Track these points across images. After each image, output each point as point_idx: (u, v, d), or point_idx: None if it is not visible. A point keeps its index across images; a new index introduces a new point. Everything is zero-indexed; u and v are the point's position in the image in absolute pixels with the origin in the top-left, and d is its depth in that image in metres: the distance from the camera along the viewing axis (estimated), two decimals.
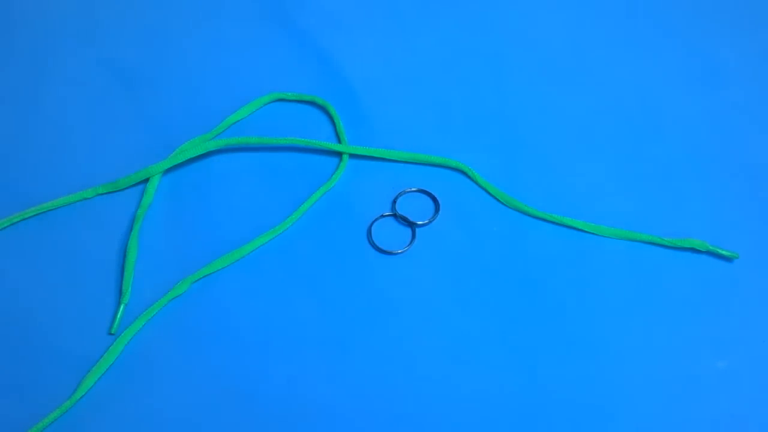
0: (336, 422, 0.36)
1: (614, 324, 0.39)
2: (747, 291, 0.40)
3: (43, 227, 0.43)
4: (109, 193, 0.45)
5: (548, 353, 0.38)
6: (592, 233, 0.42)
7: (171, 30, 0.54)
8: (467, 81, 0.50)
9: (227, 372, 0.38)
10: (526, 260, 0.41)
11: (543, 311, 0.40)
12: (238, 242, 0.42)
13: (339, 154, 0.46)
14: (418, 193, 0.45)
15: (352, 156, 0.46)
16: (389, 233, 0.43)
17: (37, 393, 0.37)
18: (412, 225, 0.43)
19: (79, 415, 0.36)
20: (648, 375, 0.37)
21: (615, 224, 0.43)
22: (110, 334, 0.39)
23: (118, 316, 0.39)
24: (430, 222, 0.43)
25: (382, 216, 0.44)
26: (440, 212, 0.44)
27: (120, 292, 0.40)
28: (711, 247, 0.41)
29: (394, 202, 0.44)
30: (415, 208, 0.44)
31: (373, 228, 0.43)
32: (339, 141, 0.47)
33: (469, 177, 0.45)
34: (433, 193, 0.44)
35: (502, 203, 0.44)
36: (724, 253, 0.41)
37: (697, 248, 0.41)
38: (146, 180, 0.45)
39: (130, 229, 0.43)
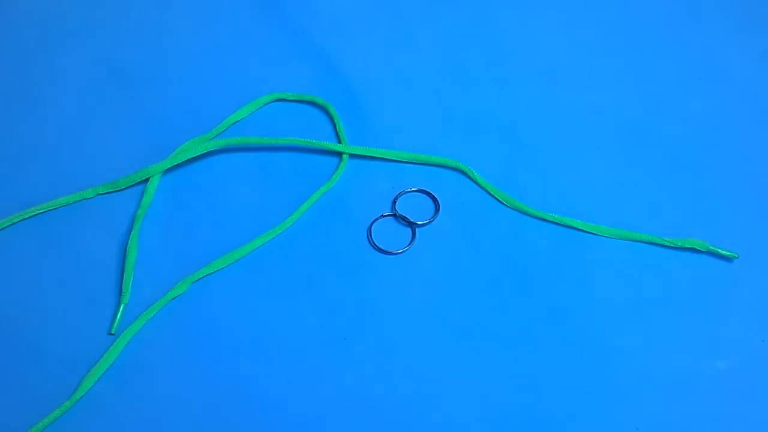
0: (336, 422, 0.36)
1: (614, 324, 0.39)
2: (747, 291, 0.40)
3: (43, 227, 0.43)
4: (109, 193, 0.45)
5: (548, 353, 0.38)
6: (592, 233, 0.42)
7: (171, 30, 0.54)
8: (467, 81, 0.50)
9: (227, 372, 0.38)
10: (526, 260, 0.41)
11: (543, 311, 0.40)
12: (237, 242, 0.42)
13: (339, 154, 0.46)
14: (418, 193, 0.45)
15: (352, 156, 0.46)
16: (389, 233, 0.43)
17: (37, 393, 0.37)
18: (412, 225, 0.43)
19: (79, 415, 0.36)
20: (648, 375, 0.37)
21: (615, 224, 0.43)
22: (110, 334, 0.39)
23: (118, 316, 0.39)
24: (430, 222, 0.43)
25: (382, 216, 0.44)
26: (440, 212, 0.44)
27: (120, 292, 0.40)
28: (711, 247, 0.41)
29: (394, 202, 0.44)
30: (415, 208, 0.44)
31: (373, 228, 0.43)
32: (339, 141, 0.47)
33: (469, 177, 0.45)
34: (433, 193, 0.44)
35: (502, 203, 0.44)
36: (724, 253, 0.41)
37: (697, 248, 0.41)
38: (146, 180, 0.45)
39: (130, 229, 0.43)
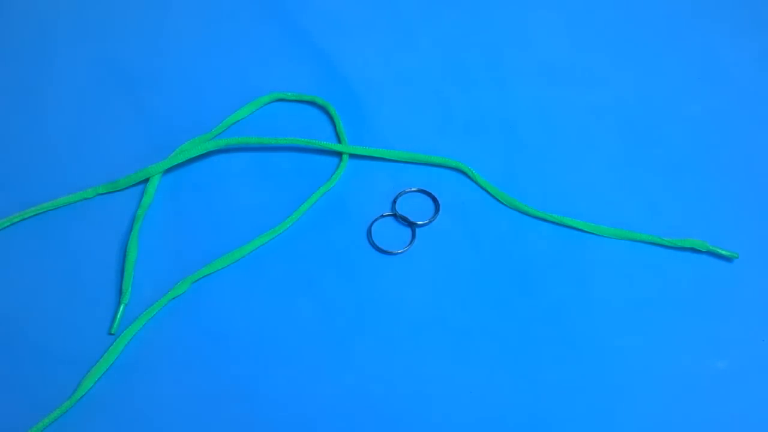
0: (336, 422, 0.36)
1: (614, 324, 0.39)
2: (747, 291, 0.40)
3: (43, 227, 0.43)
4: (109, 193, 0.45)
5: (548, 353, 0.38)
6: (592, 233, 0.42)
7: (171, 30, 0.54)
8: (467, 81, 0.50)
9: (227, 372, 0.38)
10: (526, 260, 0.41)
11: (543, 311, 0.40)
12: (238, 242, 0.42)
13: (339, 154, 0.46)
14: (418, 193, 0.45)
15: (352, 156, 0.46)
16: (389, 233, 0.43)
17: (37, 393, 0.37)
18: (412, 225, 0.43)
19: (79, 415, 0.36)
20: (648, 375, 0.37)
21: (615, 224, 0.43)
22: (110, 334, 0.39)
23: (118, 316, 0.39)
24: (430, 222, 0.43)
25: (382, 216, 0.44)
26: (440, 212, 0.44)
27: (120, 292, 0.40)
28: (711, 247, 0.41)
29: (394, 202, 0.44)
30: (415, 208, 0.44)
31: (373, 228, 0.43)
32: (339, 141, 0.47)
33: (469, 177, 0.45)
34: (433, 193, 0.44)
35: (502, 203, 0.44)
36: (724, 253, 0.41)
37: (697, 248, 0.41)
38: (146, 180, 0.45)
39: (130, 229, 0.43)
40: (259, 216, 0.43)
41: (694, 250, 0.42)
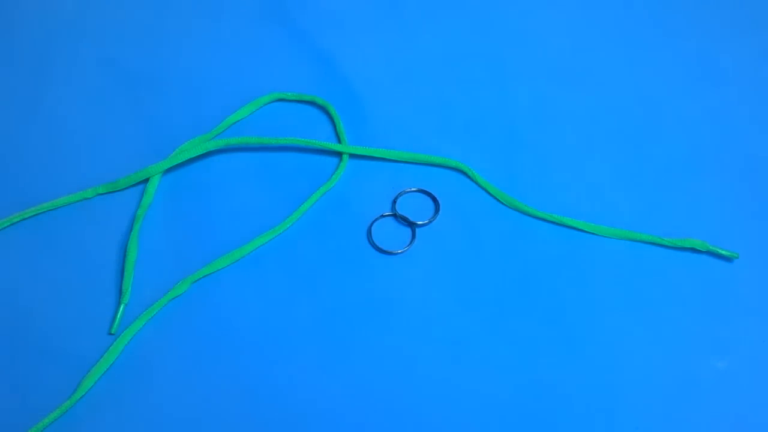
0: (336, 422, 0.36)
1: (614, 324, 0.39)
2: (747, 291, 0.40)
3: (43, 227, 0.43)
4: (109, 193, 0.45)
5: (548, 353, 0.38)
6: (592, 233, 0.42)
7: (171, 30, 0.54)
8: (467, 81, 0.50)
9: (227, 372, 0.38)
10: (526, 260, 0.41)
11: (543, 311, 0.40)
12: (238, 242, 0.42)
13: (339, 154, 0.46)
14: (418, 193, 0.45)
15: (352, 156, 0.46)
16: (389, 233, 0.43)
17: (37, 393, 0.37)
18: (412, 225, 0.43)
19: (79, 415, 0.36)
20: (648, 375, 0.37)
21: (615, 224, 0.43)
22: (110, 334, 0.39)
23: (118, 316, 0.39)
24: (430, 222, 0.43)
25: (382, 216, 0.44)
26: (440, 212, 0.44)
27: (120, 292, 0.40)
28: (711, 247, 0.41)
29: (394, 202, 0.44)
30: (415, 208, 0.44)
31: (373, 228, 0.43)
32: (339, 141, 0.47)
33: (469, 177, 0.45)
34: (433, 193, 0.44)
35: (502, 203, 0.44)
36: (724, 253, 0.41)
37: (697, 248, 0.41)
38: (146, 180, 0.45)
39: (130, 229, 0.43)
40: (259, 216, 0.43)
41: (694, 250, 0.42)
